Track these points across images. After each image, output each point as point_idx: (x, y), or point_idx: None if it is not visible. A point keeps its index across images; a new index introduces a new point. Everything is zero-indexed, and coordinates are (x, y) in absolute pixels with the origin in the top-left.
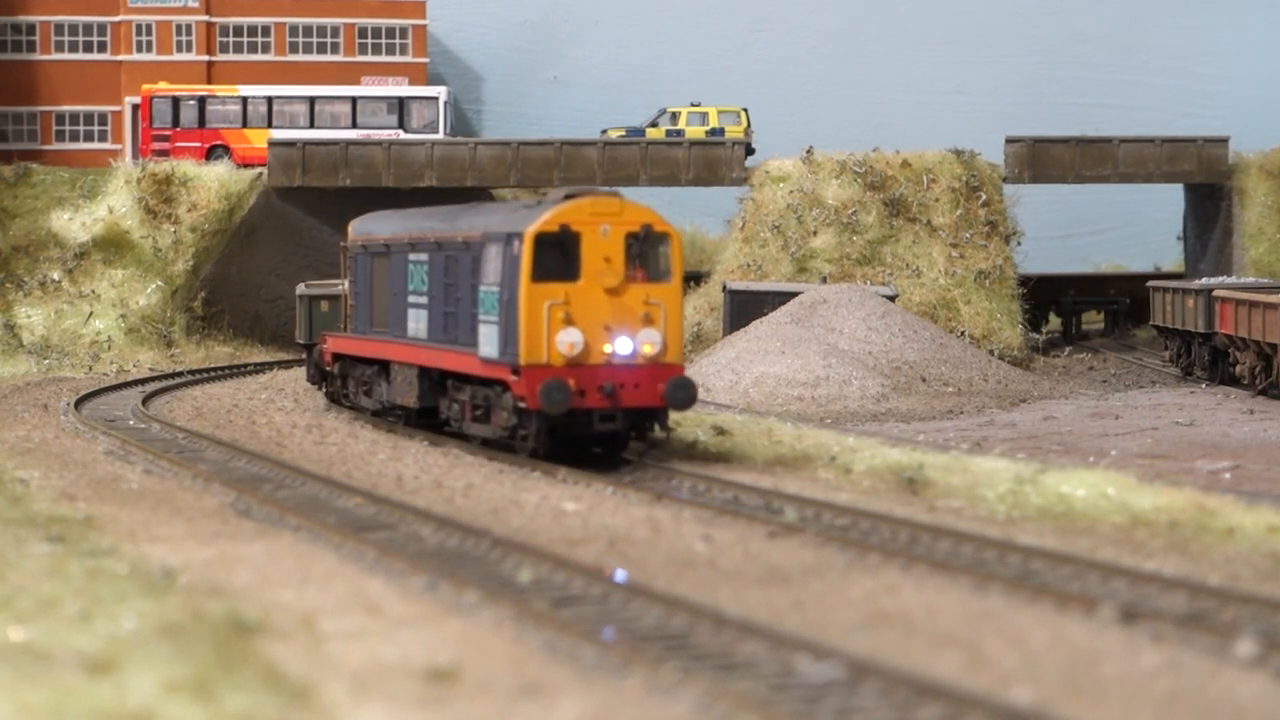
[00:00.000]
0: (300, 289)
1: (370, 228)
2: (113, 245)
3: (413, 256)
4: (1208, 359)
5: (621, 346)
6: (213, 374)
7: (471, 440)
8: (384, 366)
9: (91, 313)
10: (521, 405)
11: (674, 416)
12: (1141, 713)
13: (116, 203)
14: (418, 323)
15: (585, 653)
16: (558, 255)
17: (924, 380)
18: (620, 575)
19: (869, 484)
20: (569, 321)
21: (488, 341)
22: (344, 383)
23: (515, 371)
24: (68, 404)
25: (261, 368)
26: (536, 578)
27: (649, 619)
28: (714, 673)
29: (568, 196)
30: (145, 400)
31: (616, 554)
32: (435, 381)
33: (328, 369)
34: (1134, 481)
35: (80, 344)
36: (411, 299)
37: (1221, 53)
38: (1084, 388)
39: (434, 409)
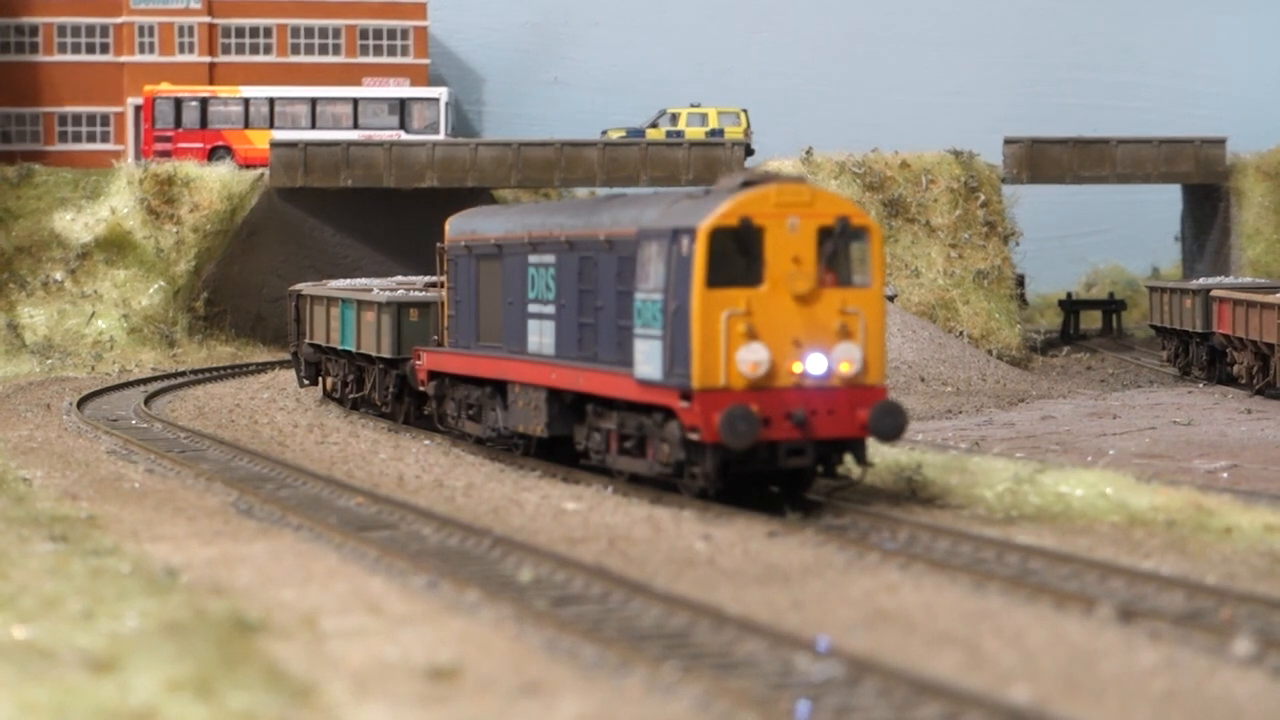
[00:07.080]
0: (303, 287)
1: (476, 225)
2: (115, 245)
3: (534, 259)
4: (1205, 359)
5: (814, 365)
6: (215, 374)
7: (617, 476)
8: (498, 387)
9: (94, 313)
10: (693, 437)
11: None
12: (1139, 711)
13: (119, 203)
14: (541, 336)
15: (585, 651)
16: (737, 255)
17: (923, 380)
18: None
19: (868, 483)
20: (752, 335)
21: (647, 360)
22: (440, 404)
23: (685, 396)
24: (70, 404)
25: (263, 368)
26: (537, 577)
27: (649, 618)
28: (714, 671)
29: (745, 184)
30: (147, 400)
31: (617, 553)
32: (568, 406)
33: (421, 388)
34: (1132, 481)
35: (83, 344)
36: (533, 308)
37: (1220, 53)
38: (1082, 387)
39: (565, 438)
